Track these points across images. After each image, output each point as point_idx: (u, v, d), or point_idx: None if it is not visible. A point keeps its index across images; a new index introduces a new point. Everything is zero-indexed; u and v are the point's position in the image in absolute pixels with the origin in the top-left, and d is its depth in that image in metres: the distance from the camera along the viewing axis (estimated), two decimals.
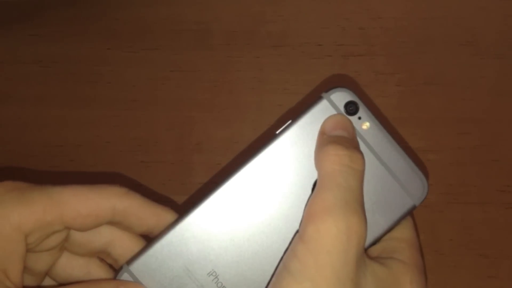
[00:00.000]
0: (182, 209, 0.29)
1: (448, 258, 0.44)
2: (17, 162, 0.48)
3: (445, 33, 0.51)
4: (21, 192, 0.27)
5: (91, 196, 0.27)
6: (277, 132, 0.29)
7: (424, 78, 0.50)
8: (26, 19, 0.53)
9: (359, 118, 0.29)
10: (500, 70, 0.50)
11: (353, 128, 0.29)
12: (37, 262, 0.29)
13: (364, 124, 0.29)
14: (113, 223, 0.29)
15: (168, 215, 0.29)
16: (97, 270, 0.30)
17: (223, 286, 0.28)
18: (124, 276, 0.28)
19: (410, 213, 0.30)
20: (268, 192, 0.28)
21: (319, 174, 0.27)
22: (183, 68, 0.51)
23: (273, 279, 0.27)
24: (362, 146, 0.29)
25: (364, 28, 0.52)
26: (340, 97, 0.29)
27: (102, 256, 0.30)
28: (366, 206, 0.28)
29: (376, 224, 0.29)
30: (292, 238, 0.28)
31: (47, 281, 0.30)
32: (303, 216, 0.27)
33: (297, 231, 0.27)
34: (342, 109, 0.29)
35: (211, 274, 0.28)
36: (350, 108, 0.29)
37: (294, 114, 0.29)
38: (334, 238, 0.25)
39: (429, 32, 0.51)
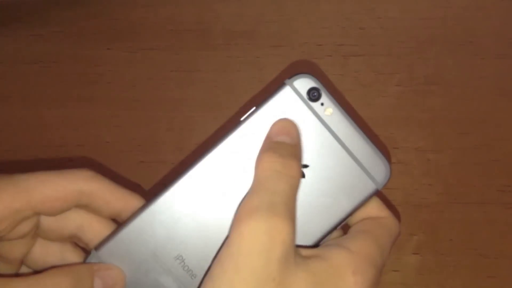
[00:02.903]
0: (149, 194, 0.29)
1: (448, 258, 0.44)
2: (17, 162, 0.48)
3: (445, 33, 0.51)
4: None
5: (58, 181, 0.28)
6: (242, 119, 0.29)
7: (424, 78, 0.50)
8: (26, 19, 0.53)
9: (322, 104, 0.29)
10: (500, 70, 0.50)
11: (298, 133, 0.29)
12: (12, 250, 0.29)
13: (327, 110, 0.29)
14: (80, 206, 0.29)
15: (134, 200, 0.30)
16: (72, 255, 0.31)
17: (190, 270, 0.29)
18: (93, 261, 0.29)
19: (373, 195, 0.30)
20: (232, 178, 0.29)
21: (253, 179, 0.28)
22: (183, 68, 0.51)
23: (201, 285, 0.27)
24: (325, 132, 0.29)
25: (364, 28, 0.52)
26: (303, 83, 0.29)
27: (74, 240, 0.31)
28: (329, 190, 0.28)
29: (339, 207, 0.29)
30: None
31: (25, 270, 0.31)
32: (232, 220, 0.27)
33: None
34: (305, 95, 0.29)
35: (178, 258, 0.29)
36: (313, 94, 0.29)
37: (259, 101, 0.30)
38: (255, 240, 0.25)
39: (429, 32, 0.51)
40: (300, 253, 0.27)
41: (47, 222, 0.29)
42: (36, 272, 0.30)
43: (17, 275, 0.30)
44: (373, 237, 0.28)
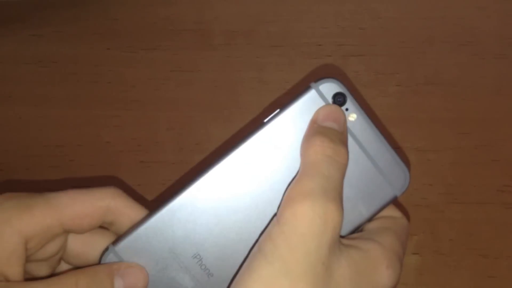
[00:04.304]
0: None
1: (448, 258, 0.44)
2: (17, 162, 0.48)
3: (445, 33, 0.51)
4: (21, 199, 0.28)
5: (86, 198, 0.29)
6: (265, 120, 0.29)
7: (424, 78, 0.50)
8: (26, 19, 0.53)
9: (347, 109, 0.29)
10: (500, 70, 0.50)
11: (345, 121, 0.29)
12: (38, 271, 0.29)
13: (351, 116, 0.29)
14: (106, 223, 0.30)
15: None
16: None
17: (207, 269, 0.29)
18: (110, 256, 0.29)
19: (391, 202, 0.30)
20: (253, 178, 0.29)
21: (302, 162, 0.28)
22: (183, 68, 0.51)
23: (247, 260, 0.27)
24: (348, 137, 0.29)
25: (364, 28, 0.52)
26: (329, 87, 0.29)
27: None
28: (349, 194, 0.28)
29: (358, 212, 0.29)
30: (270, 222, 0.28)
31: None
32: (281, 200, 0.27)
33: (275, 215, 0.28)
34: (330, 100, 0.29)
35: (195, 257, 0.29)
36: (338, 99, 0.29)
37: (283, 103, 0.29)
38: (310, 222, 0.25)
39: (429, 32, 0.51)
40: (341, 241, 0.27)
41: (73, 245, 0.30)
42: (53, 274, 0.30)
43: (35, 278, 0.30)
44: (396, 234, 0.29)
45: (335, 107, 0.29)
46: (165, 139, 0.48)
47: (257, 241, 0.28)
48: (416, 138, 0.47)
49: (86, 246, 0.30)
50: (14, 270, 0.26)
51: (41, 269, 0.29)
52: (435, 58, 0.50)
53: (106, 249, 0.29)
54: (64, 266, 0.31)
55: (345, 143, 0.28)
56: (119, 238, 0.29)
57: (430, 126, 0.48)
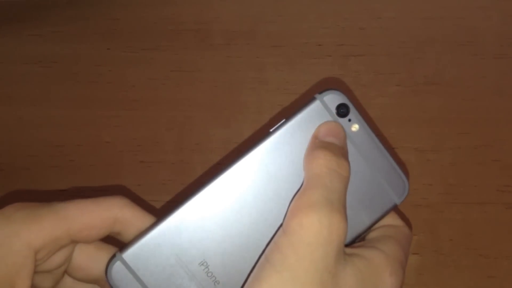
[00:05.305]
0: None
1: (448, 258, 0.44)
2: (17, 162, 0.48)
3: (445, 33, 0.51)
4: (30, 210, 0.28)
5: (94, 208, 0.29)
6: (271, 130, 0.30)
7: (424, 78, 0.50)
8: (26, 19, 0.53)
9: (349, 120, 0.30)
10: (500, 70, 0.50)
11: (345, 136, 0.30)
12: (42, 283, 0.29)
13: (354, 126, 0.30)
14: (113, 233, 0.30)
15: None
16: None
17: (213, 276, 0.29)
18: (117, 264, 0.29)
19: (392, 210, 0.31)
20: (259, 187, 0.29)
21: (306, 175, 0.29)
22: (183, 68, 0.51)
23: (254, 270, 0.28)
24: (350, 147, 0.30)
25: (364, 28, 0.52)
26: (333, 99, 0.30)
27: (100, 285, 0.31)
28: (351, 203, 0.29)
29: (359, 221, 0.30)
30: (276, 232, 0.29)
31: None
32: (287, 211, 0.28)
33: (281, 225, 0.28)
34: (334, 110, 0.30)
35: (202, 264, 0.29)
36: (342, 110, 0.30)
37: (288, 113, 0.30)
38: (316, 232, 0.26)
39: (429, 32, 0.51)
40: (345, 250, 0.28)
41: (78, 258, 0.30)
42: None
43: None
44: (399, 243, 0.30)
45: (335, 123, 0.30)
46: (165, 139, 0.48)
47: (263, 250, 0.28)
48: (416, 138, 0.47)
49: (90, 260, 0.30)
50: (24, 283, 0.27)
51: (45, 282, 0.29)
52: (435, 58, 0.50)
53: (113, 256, 0.29)
54: (67, 280, 0.31)
55: (346, 157, 0.29)
56: (126, 245, 0.29)
57: (430, 126, 0.48)
